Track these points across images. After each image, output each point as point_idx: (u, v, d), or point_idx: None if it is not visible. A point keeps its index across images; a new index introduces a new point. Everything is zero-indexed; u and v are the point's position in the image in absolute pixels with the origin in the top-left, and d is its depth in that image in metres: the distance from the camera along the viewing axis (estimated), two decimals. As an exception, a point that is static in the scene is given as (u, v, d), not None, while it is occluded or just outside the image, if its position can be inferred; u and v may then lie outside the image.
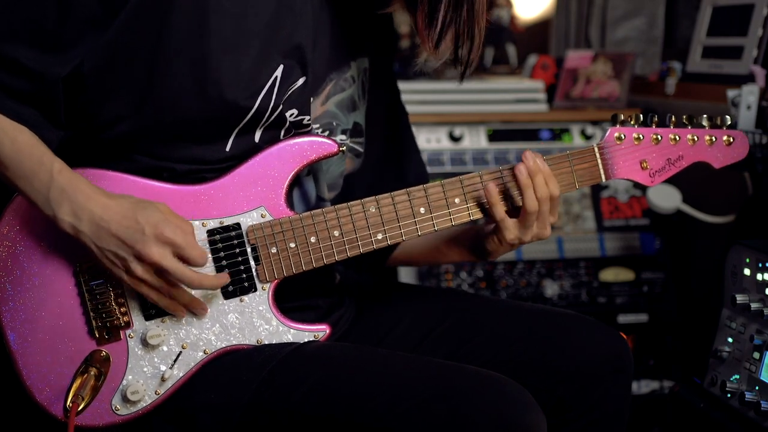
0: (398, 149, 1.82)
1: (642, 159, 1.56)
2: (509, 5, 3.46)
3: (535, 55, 3.17)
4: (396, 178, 1.78)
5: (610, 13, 3.32)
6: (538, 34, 3.75)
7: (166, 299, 1.41)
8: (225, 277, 1.44)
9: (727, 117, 1.58)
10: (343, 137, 1.64)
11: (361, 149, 1.70)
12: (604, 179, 1.55)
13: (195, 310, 1.44)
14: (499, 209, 1.51)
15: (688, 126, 1.57)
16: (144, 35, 1.37)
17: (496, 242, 1.57)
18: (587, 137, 2.87)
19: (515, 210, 1.53)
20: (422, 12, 1.43)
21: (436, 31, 1.43)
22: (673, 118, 1.57)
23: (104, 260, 1.37)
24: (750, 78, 2.40)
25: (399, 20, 2.78)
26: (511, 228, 1.53)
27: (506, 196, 1.53)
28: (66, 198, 1.35)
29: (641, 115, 1.56)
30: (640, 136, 1.55)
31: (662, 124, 1.57)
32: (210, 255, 1.45)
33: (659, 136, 1.56)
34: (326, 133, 1.59)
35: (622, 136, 1.55)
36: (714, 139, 1.58)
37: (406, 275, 2.66)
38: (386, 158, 1.79)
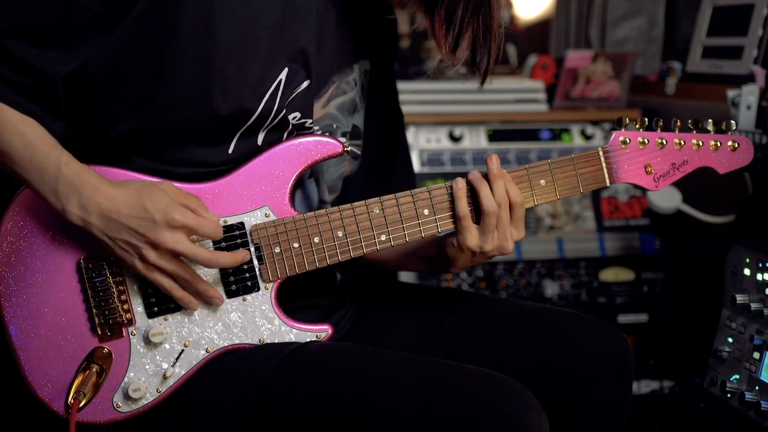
0: (390, 153, 1.81)
1: (647, 163, 1.53)
2: (509, 5, 3.47)
3: (535, 55, 3.17)
4: (383, 182, 1.76)
5: (610, 13, 3.33)
6: (538, 34, 3.75)
7: (179, 290, 1.41)
8: (243, 254, 1.43)
9: (732, 122, 1.56)
10: (342, 140, 1.63)
11: (359, 152, 1.70)
12: (608, 183, 1.53)
13: (210, 298, 1.43)
14: (463, 204, 1.48)
15: (693, 130, 1.55)
16: (150, 37, 1.37)
17: (456, 247, 1.51)
18: (587, 137, 2.87)
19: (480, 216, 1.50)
20: (440, 16, 1.42)
21: (454, 34, 1.42)
22: (678, 123, 1.54)
23: (117, 249, 1.38)
24: (750, 78, 2.41)
25: (399, 20, 2.78)
26: (472, 231, 1.48)
27: (474, 198, 1.49)
28: (74, 191, 1.35)
29: (646, 119, 1.54)
30: (645, 140, 1.53)
31: (667, 128, 1.55)
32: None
33: (664, 141, 1.54)
34: None
35: (627, 140, 1.53)
36: (719, 144, 1.55)
37: (406, 275, 2.66)
38: (378, 160, 1.78)
